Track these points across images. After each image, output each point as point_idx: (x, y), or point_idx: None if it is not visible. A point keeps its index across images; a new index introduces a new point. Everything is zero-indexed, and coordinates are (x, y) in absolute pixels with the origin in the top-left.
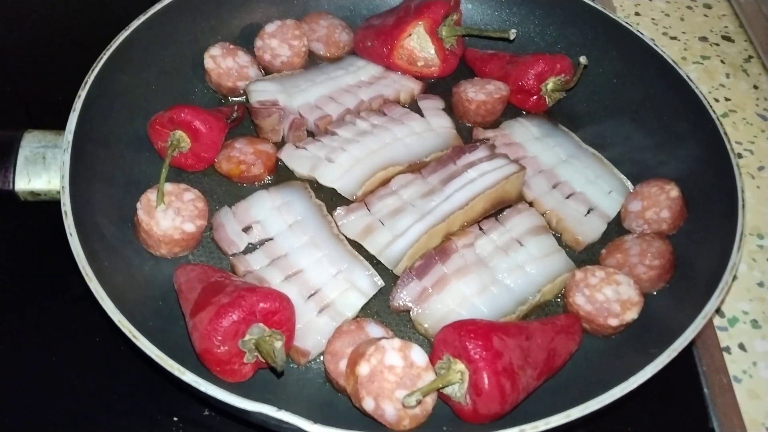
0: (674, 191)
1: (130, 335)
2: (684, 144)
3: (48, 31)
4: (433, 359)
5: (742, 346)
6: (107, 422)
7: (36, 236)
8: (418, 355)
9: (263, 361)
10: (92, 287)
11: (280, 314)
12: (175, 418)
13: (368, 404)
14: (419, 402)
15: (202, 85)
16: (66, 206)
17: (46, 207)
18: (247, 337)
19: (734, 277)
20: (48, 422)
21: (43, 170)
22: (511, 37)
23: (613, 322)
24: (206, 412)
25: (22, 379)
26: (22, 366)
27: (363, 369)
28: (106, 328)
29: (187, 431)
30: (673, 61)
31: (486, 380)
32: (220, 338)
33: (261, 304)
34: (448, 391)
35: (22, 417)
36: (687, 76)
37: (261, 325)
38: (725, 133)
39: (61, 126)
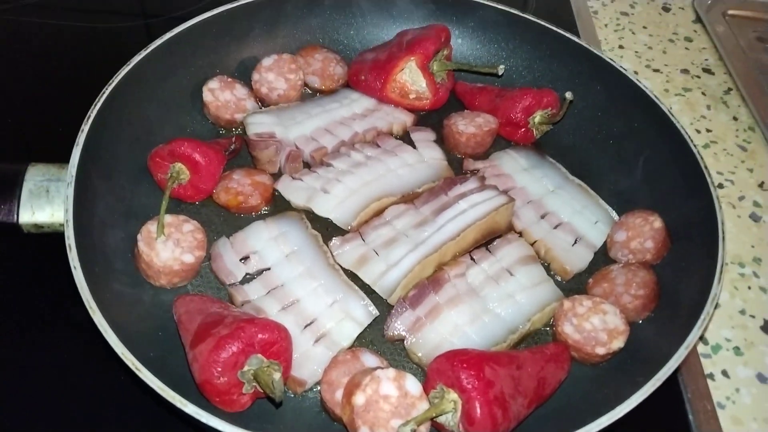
0: (657, 222)
1: (133, 367)
2: (666, 176)
3: (51, 66)
4: (426, 388)
5: (725, 373)
6: None
7: (39, 267)
8: (413, 384)
9: (262, 391)
10: (96, 320)
11: (278, 345)
12: None
13: None
14: (413, 431)
15: (200, 117)
16: (70, 240)
17: (49, 238)
18: (246, 368)
19: (717, 306)
20: None
21: (46, 203)
22: (500, 73)
23: (601, 350)
24: None
25: (22, 408)
26: (22, 394)
27: (359, 399)
28: (106, 357)
29: None
30: (654, 95)
31: (478, 409)
32: (219, 369)
33: (259, 336)
34: (441, 420)
35: None
36: (668, 110)
37: (259, 356)
38: (705, 167)
39: (63, 159)
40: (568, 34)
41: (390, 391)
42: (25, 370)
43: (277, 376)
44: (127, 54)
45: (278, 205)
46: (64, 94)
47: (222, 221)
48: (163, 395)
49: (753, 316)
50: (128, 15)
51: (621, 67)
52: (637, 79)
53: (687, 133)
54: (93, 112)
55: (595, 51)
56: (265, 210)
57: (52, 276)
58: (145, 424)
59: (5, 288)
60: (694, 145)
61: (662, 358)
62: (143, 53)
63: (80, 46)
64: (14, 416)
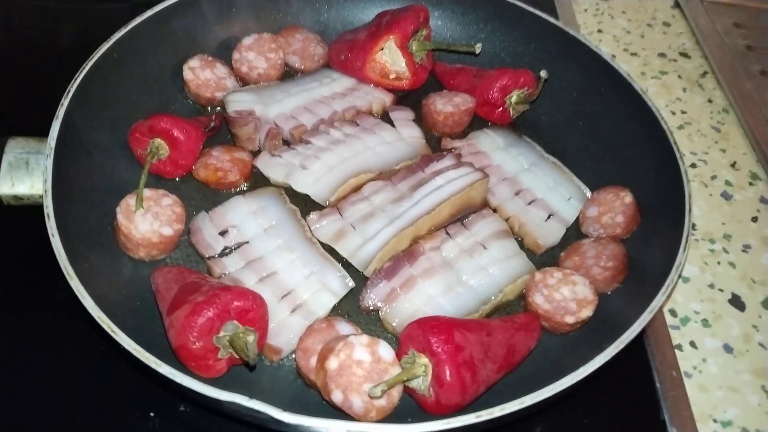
0: (628, 197)
1: (109, 330)
2: (638, 153)
3: (32, 43)
4: (399, 355)
5: (693, 344)
6: (85, 419)
7: (19, 240)
8: (385, 350)
9: (237, 357)
10: (73, 285)
11: (253, 312)
12: (152, 414)
13: (337, 397)
14: (383, 393)
15: (181, 96)
16: (48, 209)
17: (28, 212)
18: (221, 334)
19: (686, 279)
20: (25, 420)
21: (26, 175)
22: (477, 51)
23: (570, 319)
24: (182, 408)
25: (1, 381)
26: (2, 368)
27: (332, 363)
28: (84, 329)
29: (163, 426)
30: (628, 75)
31: (447, 372)
32: (195, 334)
33: (235, 303)
34: (413, 384)
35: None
36: (641, 89)
37: (235, 322)
38: (675, 143)
39: (43, 134)
40: (545, 15)
41: (363, 357)
42: (3, 341)
43: (251, 338)
44: (113, 32)
45: (257, 182)
46: (46, 72)
47: (201, 197)
48: (138, 357)
49: (722, 290)
50: None
51: (596, 48)
52: (612, 60)
53: (658, 111)
54: (73, 87)
55: (571, 32)
56: (244, 186)
57: (33, 249)
58: (123, 394)
59: None
60: (665, 122)
61: (629, 323)
62: (123, 30)
63: (65, 22)
64: None
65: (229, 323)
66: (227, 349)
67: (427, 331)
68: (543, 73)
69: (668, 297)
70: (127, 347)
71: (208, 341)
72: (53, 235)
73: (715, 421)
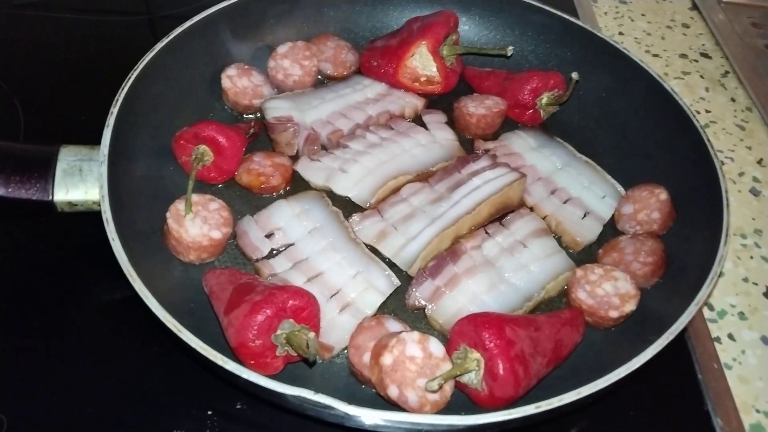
0: (663, 194)
1: (174, 329)
2: (670, 151)
3: (75, 59)
4: (449, 351)
5: (731, 336)
6: (145, 417)
7: (71, 246)
8: (436, 346)
9: (293, 354)
10: (136, 287)
11: (308, 310)
12: (210, 412)
13: (393, 392)
14: (440, 386)
15: (219, 104)
16: (107, 214)
17: (80, 220)
18: (279, 332)
19: (722, 273)
20: (87, 418)
21: (80, 182)
22: (509, 54)
23: (614, 314)
24: (239, 405)
25: (61, 379)
26: (60, 367)
27: (386, 359)
28: (139, 329)
29: (221, 423)
30: (657, 75)
31: (501, 366)
32: (255, 332)
33: (291, 301)
34: (464, 379)
35: (62, 414)
36: (671, 88)
37: (291, 320)
38: (708, 139)
39: (89, 142)
40: (572, 19)
41: (415, 353)
42: (62, 343)
43: (312, 335)
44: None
45: (298, 186)
46: (87, 86)
47: (243, 202)
48: (205, 354)
49: (756, 284)
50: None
51: (625, 48)
52: (640, 60)
53: (689, 108)
54: (121, 96)
55: (598, 34)
56: (285, 191)
57: (84, 255)
58: (182, 392)
59: (41, 264)
60: (697, 120)
61: (673, 316)
62: (164, 41)
63: (97, 40)
64: (52, 383)
65: (286, 321)
66: (284, 346)
67: (479, 326)
68: (574, 75)
69: (712, 289)
70: (194, 346)
71: (266, 339)
72: (113, 239)
73: (758, 411)
